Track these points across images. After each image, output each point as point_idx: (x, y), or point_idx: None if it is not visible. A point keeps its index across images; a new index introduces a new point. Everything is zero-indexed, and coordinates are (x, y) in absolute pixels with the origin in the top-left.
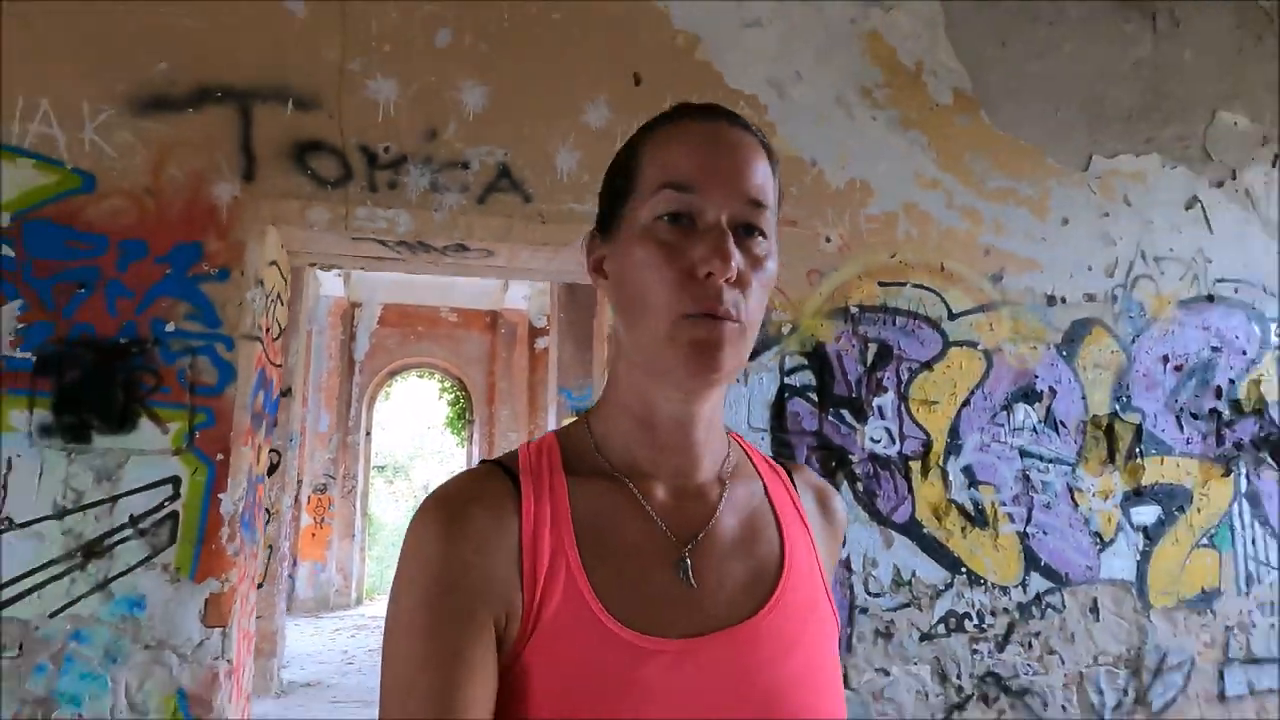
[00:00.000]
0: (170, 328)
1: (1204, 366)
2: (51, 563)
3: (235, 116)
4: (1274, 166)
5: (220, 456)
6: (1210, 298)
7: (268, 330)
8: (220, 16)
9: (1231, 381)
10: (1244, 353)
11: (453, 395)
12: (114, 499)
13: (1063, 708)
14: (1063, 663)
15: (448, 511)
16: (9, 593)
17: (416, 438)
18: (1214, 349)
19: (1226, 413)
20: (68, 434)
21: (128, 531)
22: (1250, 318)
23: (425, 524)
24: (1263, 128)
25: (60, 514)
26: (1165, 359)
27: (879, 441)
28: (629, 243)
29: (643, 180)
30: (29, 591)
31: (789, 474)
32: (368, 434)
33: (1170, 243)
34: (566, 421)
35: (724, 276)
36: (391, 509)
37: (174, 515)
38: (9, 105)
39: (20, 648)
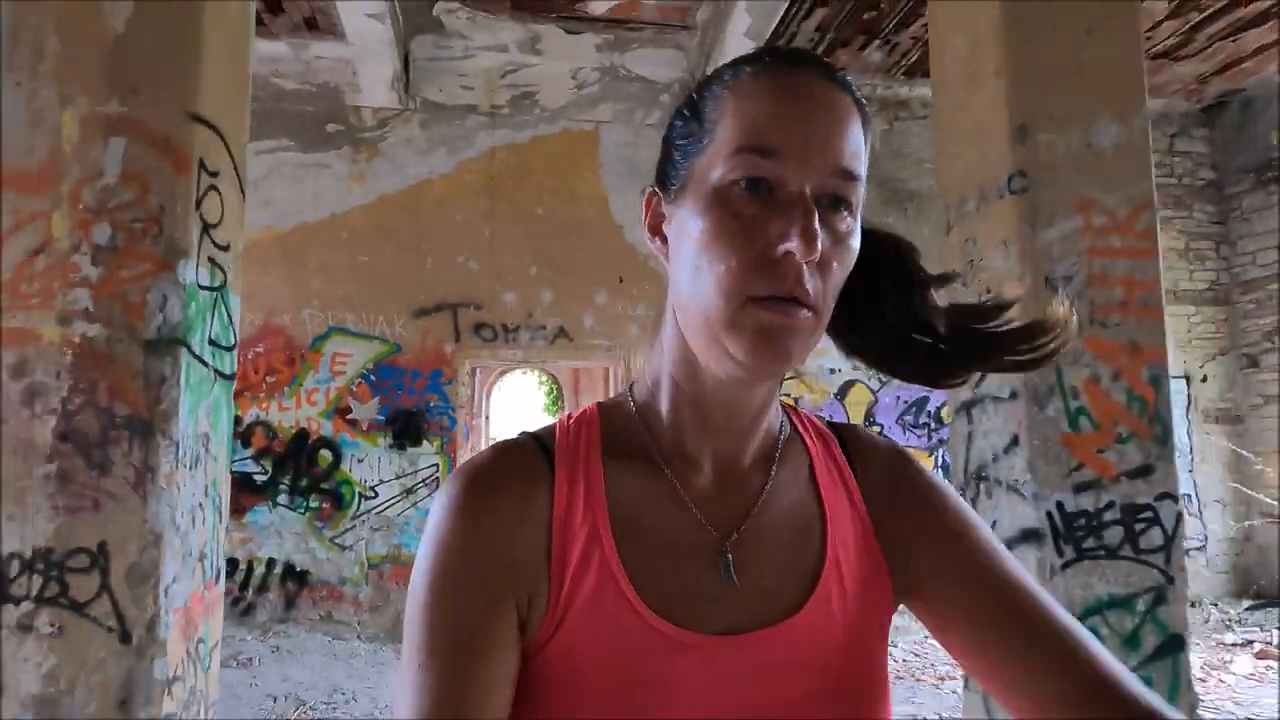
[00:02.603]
0: (431, 405)
1: (921, 400)
2: (394, 496)
3: (450, 316)
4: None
5: (452, 455)
6: None
7: (468, 402)
8: (441, 270)
9: (938, 407)
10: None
11: (548, 387)
12: (415, 471)
13: None
14: None
15: (475, 487)
16: (386, 505)
17: (522, 420)
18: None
19: (933, 424)
20: (398, 447)
21: (424, 484)
22: None
23: (451, 498)
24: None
25: (397, 478)
26: (898, 398)
27: None
28: (697, 207)
29: (719, 135)
30: (390, 507)
31: (842, 441)
32: (487, 418)
33: None
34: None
35: (806, 258)
36: None
37: (438, 479)
38: (374, 322)
39: (387, 525)
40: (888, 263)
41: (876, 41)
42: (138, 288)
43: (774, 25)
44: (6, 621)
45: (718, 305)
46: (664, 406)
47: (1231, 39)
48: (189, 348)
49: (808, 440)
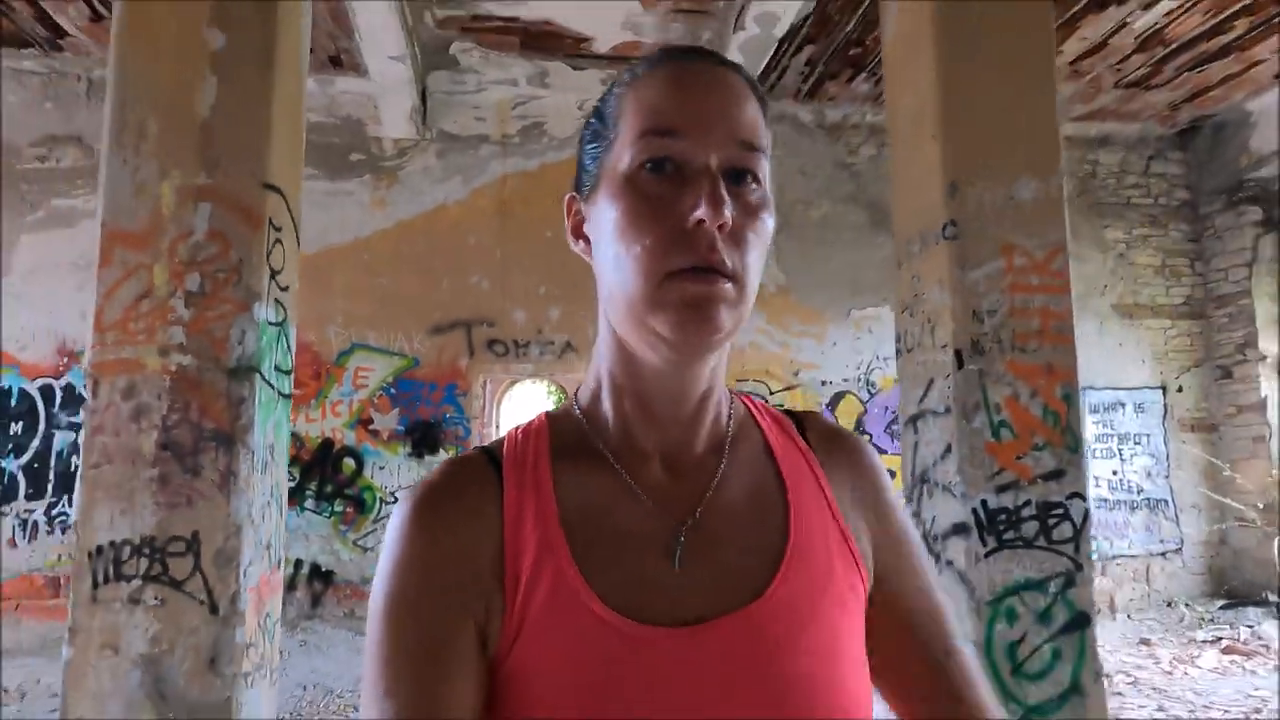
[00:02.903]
0: (447, 416)
1: None
2: None
3: (464, 333)
4: None
5: None
6: None
7: (480, 413)
8: (456, 290)
9: None
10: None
11: (557, 396)
12: None
13: None
14: None
15: (426, 504)
16: None
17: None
18: None
19: None
20: (416, 455)
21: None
22: None
23: (404, 517)
24: None
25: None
26: (885, 408)
27: None
28: (608, 198)
29: (622, 128)
30: None
31: (799, 425)
32: (497, 427)
33: (893, 350)
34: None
35: (715, 224)
36: None
37: None
38: (394, 339)
39: None
40: None
41: (863, 74)
42: (221, 325)
43: (766, 60)
44: (120, 595)
45: (639, 285)
46: (607, 404)
47: (1197, 71)
48: (261, 374)
49: (761, 422)
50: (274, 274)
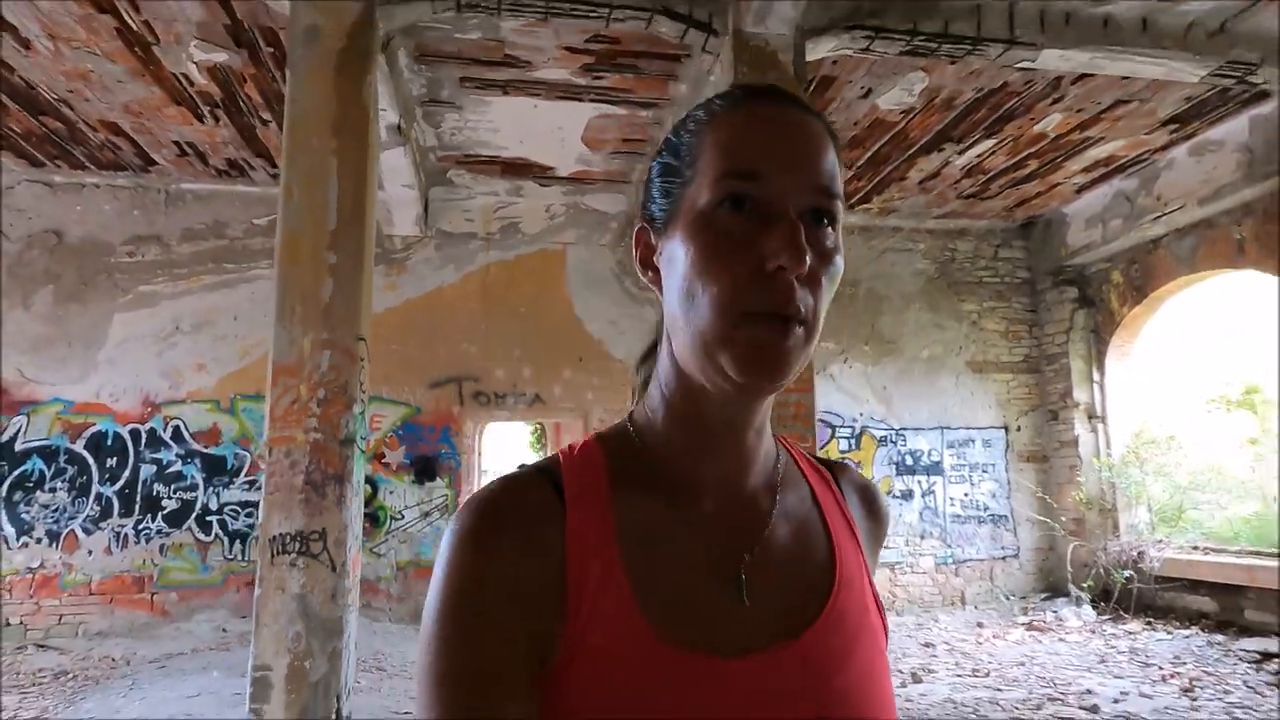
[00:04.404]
0: (443, 452)
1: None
2: (415, 518)
3: (456, 387)
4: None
5: (458, 488)
6: None
7: (468, 449)
8: (450, 354)
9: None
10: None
11: (534, 427)
12: (430, 500)
13: None
14: None
15: (487, 521)
16: (410, 524)
17: (510, 456)
18: None
19: None
20: (418, 483)
21: (436, 510)
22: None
23: (461, 532)
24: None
25: (418, 505)
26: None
27: None
28: (686, 234)
29: (702, 167)
30: (412, 526)
31: (834, 475)
32: (480, 455)
33: None
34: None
35: (796, 272)
36: None
37: (446, 505)
38: (401, 392)
39: (411, 539)
40: None
41: None
42: (336, 416)
43: None
44: (285, 561)
45: (712, 322)
46: (667, 434)
47: (1015, 188)
48: (356, 442)
49: (803, 465)
50: (361, 385)
